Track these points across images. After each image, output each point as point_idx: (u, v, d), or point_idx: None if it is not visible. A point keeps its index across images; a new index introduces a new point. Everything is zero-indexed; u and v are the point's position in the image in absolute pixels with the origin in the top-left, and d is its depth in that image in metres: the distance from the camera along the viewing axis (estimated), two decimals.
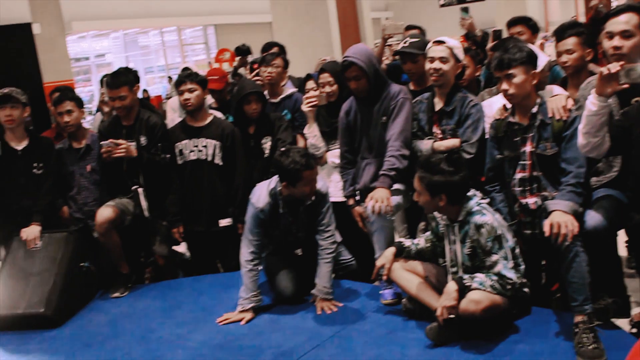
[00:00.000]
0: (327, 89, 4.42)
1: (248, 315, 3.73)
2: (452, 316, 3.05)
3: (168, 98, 14.30)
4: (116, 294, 4.46)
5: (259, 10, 18.12)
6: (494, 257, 3.10)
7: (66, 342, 3.83)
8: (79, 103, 4.61)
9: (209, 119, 4.67)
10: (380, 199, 3.59)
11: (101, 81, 5.26)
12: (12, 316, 4.06)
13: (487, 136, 3.62)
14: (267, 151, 4.66)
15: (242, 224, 4.64)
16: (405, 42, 4.17)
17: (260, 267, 3.93)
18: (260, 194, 3.80)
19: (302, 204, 3.81)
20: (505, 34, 4.88)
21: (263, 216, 3.78)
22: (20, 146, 4.52)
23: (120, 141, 4.36)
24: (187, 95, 4.54)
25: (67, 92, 4.62)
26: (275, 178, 3.76)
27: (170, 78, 17.85)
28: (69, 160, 4.64)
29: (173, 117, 5.47)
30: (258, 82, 5.03)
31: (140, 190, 4.52)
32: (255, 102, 4.60)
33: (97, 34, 18.64)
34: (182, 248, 4.92)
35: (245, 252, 3.81)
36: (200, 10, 18.01)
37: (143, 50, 20.91)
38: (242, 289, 3.78)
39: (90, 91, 18.24)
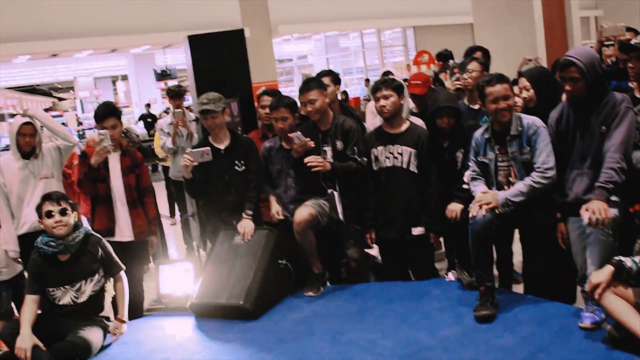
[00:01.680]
0: (525, 94, 4.24)
1: None
2: None
3: (366, 100, 14.55)
4: (310, 293, 4.62)
5: (460, 12, 17.86)
6: None
7: (262, 334, 4.03)
8: (293, 109, 4.77)
9: (405, 125, 4.67)
10: (599, 210, 3.37)
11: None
12: (215, 305, 4.38)
13: None
14: (459, 164, 4.55)
15: (435, 232, 4.64)
16: (637, 38, 3.88)
17: None
18: None
19: None
20: None
21: None
22: (222, 145, 4.84)
23: (307, 140, 4.47)
24: (382, 102, 4.56)
25: (282, 98, 4.80)
26: None
27: (367, 80, 18.16)
28: (277, 159, 4.87)
29: (374, 121, 5.50)
30: (458, 86, 4.94)
31: (335, 193, 4.63)
32: (448, 116, 4.51)
33: (300, 36, 19.46)
34: (374, 251, 4.97)
35: None
36: (399, 12, 18.12)
37: (343, 52, 21.48)
38: None
39: (292, 91, 19.12)
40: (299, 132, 4.47)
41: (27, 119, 4.92)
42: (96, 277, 4.17)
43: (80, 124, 20.83)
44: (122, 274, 4.34)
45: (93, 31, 14.53)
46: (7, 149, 6.55)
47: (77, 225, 4.18)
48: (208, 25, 15.22)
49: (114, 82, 28.23)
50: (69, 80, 27.83)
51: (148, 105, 17.50)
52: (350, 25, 18.31)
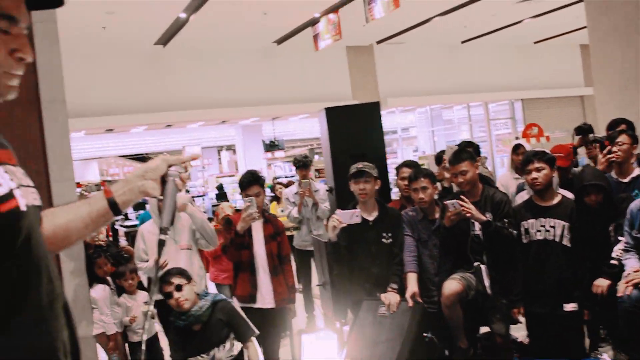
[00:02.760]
0: None
1: None
2: None
3: None
4: None
5: (570, 84, 17.64)
6: None
7: None
8: (433, 179, 4.78)
9: (557, 198, 4.57)
10: None
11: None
12: None
13: None
14: (610, 238, 4.40)
15: (589, 309, 4.44)
16: None
17: None
18: None
19: None
20: None
21: None
22: (371, 217, 4.83)
23: (466, 204, 4.41)
24: (535, 174, 4.48)
25: (421, 170, 4.83)
26: None
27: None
28: (421, 230, 4.84)
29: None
30: (612, 159, 4.82)
31: (483, 266, 4.54)
32: (596, 193, 4.39)
33: (404, 109, 19.63)
34: (520, 330, 4.80)
35: None
36: (507, 85, 18.07)
37: (447, 125, 21.48)
38: None
39: (393, 163, 19.13)
40: (455, 200, 4.42)
41: None
42: (228, 343, 4.18)
43: (187, 191, 21.49)
44: (254, 340, 4.29)
45: (206, 103, 15.23)
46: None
47: (203, 294, 4.23)
48: (319, 97, 15.74)
49: (219, 152, 29.18)
50: (178, 150, 28.99)
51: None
52: (458, 98, 18.36)
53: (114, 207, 1.65)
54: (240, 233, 4.80)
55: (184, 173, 1.71)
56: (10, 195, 1.32)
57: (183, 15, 12.37)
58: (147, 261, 5.19)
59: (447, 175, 5.31)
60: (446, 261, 4.72)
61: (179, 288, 4.07)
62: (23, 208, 1.35)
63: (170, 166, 1.72)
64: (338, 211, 4.73)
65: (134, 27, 12.81)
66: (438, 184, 5.22)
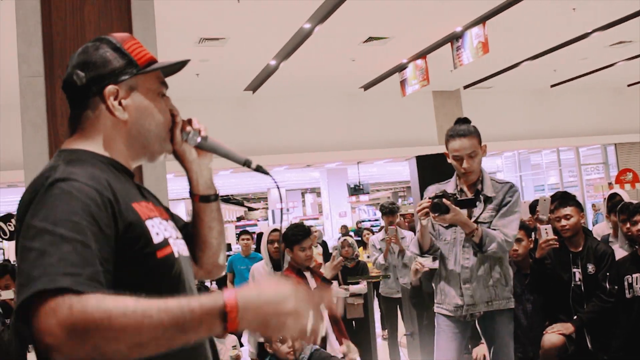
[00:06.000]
0: None
1: None
2: None
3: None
4: None
5: None
6: None
7: None
8: (580, 207, 4.56)
9: None
10: None
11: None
12: None
13: None
14: None
15: None
16: None
17: None
18: None
19: None
20: None
21: None
22: None
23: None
24: None
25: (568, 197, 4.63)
26: None
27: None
28: (515, 283, 4.69)
29: None
30: None
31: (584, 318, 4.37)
32: None
33: (491, 153, 19.36)
34: None
35: None
36: (599, 129, 17.58)
37: (535, 170, 21.02)
38: None
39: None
40: (548, 225, 4.31)
41: (277, 226, 5.19)
42: None
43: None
44: None
45: (292, 147, 15.49)
46: None
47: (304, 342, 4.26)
48: (405, 142, 15.76)
49: (302, 194, 29.51)
50: (262, 192, 29.49)
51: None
52: (547, 143, 17.97)
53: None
54: (330, 280, 4.82)
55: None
56: (166, 243, 1.44)
57: (273, 63, 12.72)
58: None
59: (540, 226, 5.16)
60: (539, 308, 4.57)
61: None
62: (176, 255, 1.48)
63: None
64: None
65: (225, 74, 13.26)
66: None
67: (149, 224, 1.43)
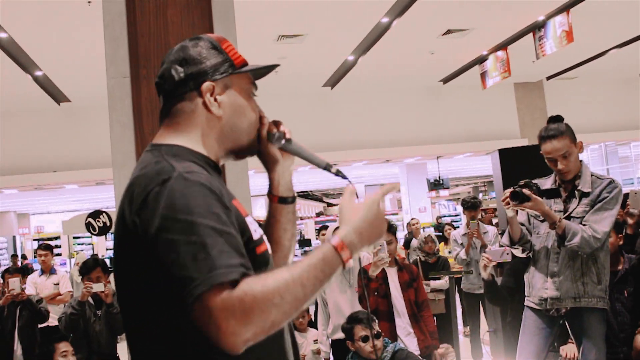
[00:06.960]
0: None
1: None
2: None
3: None
4: None
5: None
6: None
7: None
8: None
9: None
10: None
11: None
12: None
13: None
14: None
15: None
16: None
17: None
18: None
19: None
20: None
21: None
22: None
23: None
24: None
25: None
26: None
27: None
28: None
29: None
30: None
31: None
32: None
33: None
34: None
35: None
36: None
37: (622, 163, 20.25)
38: None
39: None
40: None
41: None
42: None
43: None
44: None
45: (371, 143, 15.46)
46: None
47: (387, 341, 4.28)
48: (486, 136, 15.45)
49: None
50: (341, 187, 29.62)
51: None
52: (637, 134, 17.23)
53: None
54: (372, 278, 4.80)
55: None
56: (262, 240, 1.51)
57: (351, 58, 12.71)
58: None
59: (630, 221, 4.96)
60: (633, 312, 4.39)
61: (378, 336, 4.21)
62: (270, 252, 1.55)
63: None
64: (488, 248, 4.63)
65: (304, 71, 13.35)
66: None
67: (248, 220, 1.47)
